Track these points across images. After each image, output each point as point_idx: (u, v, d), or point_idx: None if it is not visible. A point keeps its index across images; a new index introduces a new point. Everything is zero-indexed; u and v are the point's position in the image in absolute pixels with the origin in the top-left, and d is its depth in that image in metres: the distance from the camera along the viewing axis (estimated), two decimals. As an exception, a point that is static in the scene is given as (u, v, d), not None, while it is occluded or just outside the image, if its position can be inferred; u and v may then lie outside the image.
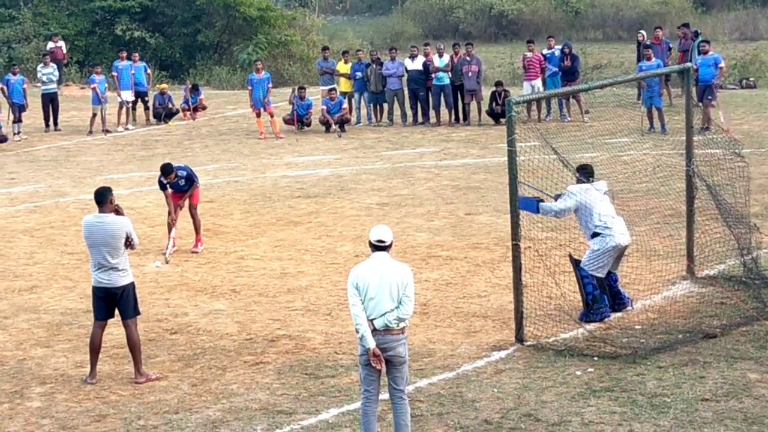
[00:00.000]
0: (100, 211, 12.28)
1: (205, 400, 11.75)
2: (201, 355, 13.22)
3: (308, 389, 11.93)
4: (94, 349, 12.43)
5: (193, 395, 11.91)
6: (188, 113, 33.74)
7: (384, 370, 10.04)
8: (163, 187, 17.90)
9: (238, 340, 13.74)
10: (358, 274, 10.01)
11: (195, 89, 34.71)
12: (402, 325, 9.98)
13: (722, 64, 27.84)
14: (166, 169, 17.73)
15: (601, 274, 13.77)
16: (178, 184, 17.90)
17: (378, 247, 10.10)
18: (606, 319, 13.74)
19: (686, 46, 31.02)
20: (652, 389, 11.47)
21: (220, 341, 13.70)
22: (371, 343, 9.89)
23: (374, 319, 9.92)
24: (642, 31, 34.22)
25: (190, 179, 17.94)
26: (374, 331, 9.91)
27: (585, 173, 13.93)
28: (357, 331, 9.98)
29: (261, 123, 30.20)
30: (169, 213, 17.86)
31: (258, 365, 12.77)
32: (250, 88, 30.58)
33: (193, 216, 18.14)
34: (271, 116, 30.15)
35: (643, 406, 11.06)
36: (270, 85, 30.68)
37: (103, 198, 12.31)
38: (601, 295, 13.78)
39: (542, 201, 13.70)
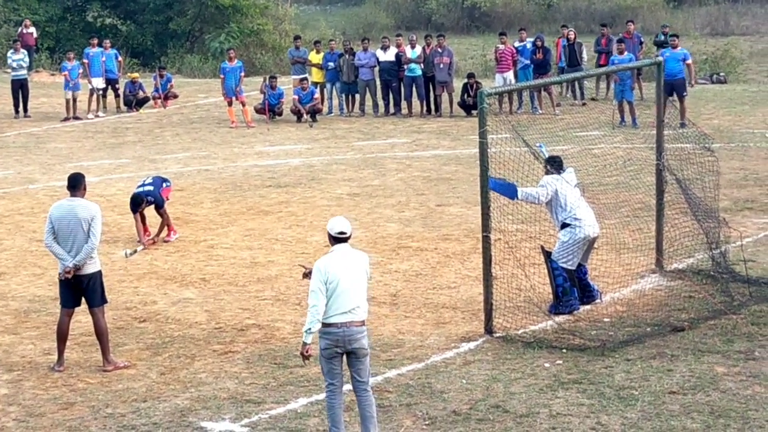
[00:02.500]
0: (72, 196, 12.21)
1: (174, 389, 11.72)
2: (170, 343, 13.19)
3: (277, 379, 11.92)
4: (62, 336, 12.38)
5: (161, 384, 11.88)
6: (159, 101, 33.59)
7: (346, 362, 10.06)
8: (135, 211, 17.83)
9: (207, 329, 13.70)
10: (327, 269, 9.94)
11: (162, 71, 34.38)
12: (363, 316, 10.00)
13: (689, 61, 27.87)
14: (136, 201, 17.71)
15: (572, 266, 13.80)
16: (149, 203, 17.91)
17: (339, 239, 10.09)
18: (575, 312, 13.78)
19: (606, 48, 30.64)
20: (620, 382, 11.52)
21: (189, 330, 13.67)
22: (310, 340, 9.96)
23: (343, 312, 9.92)
24: (571, 29, 32.84)
25: (158, 202, 17.84)
26: (339, 324, 9.91)
27: (554, 165, 13.97)
28: (310, 328, 9.90)
29: (232, 112, 30.12)
30: (138, 232, 17.72)
31: (227, 354, 12.75)
32: (222, 76, 30.53)
33: (161, 215, 18.00)
34: (243, 105, 30.09)
35: (610, 398, 11.10)
36: (242, 74, 30.62)
37: (77, 183, 12.27)
38: (571, 287, 13.82)
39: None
